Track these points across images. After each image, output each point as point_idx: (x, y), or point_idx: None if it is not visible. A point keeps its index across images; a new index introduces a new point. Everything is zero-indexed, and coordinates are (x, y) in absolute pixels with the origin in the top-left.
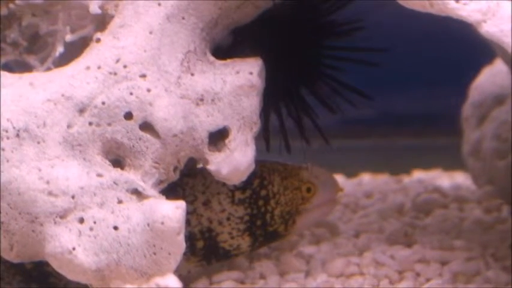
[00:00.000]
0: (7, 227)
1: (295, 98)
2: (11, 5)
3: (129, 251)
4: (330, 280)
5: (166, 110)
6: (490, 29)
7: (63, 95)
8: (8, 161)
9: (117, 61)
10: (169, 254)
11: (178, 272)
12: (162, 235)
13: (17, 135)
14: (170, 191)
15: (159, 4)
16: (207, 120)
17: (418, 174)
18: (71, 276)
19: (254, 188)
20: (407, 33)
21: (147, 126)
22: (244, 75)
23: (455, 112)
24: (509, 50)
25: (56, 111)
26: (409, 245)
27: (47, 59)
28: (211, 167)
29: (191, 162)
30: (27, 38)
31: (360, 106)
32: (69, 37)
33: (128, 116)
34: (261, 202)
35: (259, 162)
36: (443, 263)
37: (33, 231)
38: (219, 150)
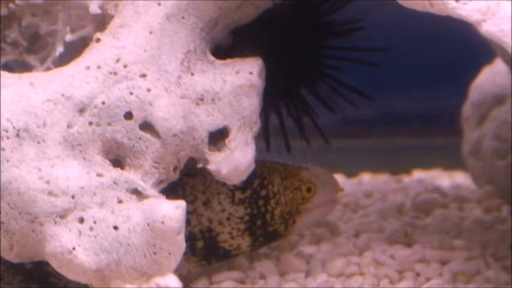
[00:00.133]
0: (7, 227)
1: (295, 97)
2: (11, 5)
3: (129, 251)
4: (330, 280)
5: (166, 110)
6: (489, 28)
7: (63, 95)
8: (8, 160)
9: (117, 61)
10: (170, 253)
11: (178, 272)
12: (162, 235)
13: (17, 135)
14: (170, 191)
15: (159, 4)
16: (207, 120)
17: (418, 174)
18: (71, 276)
19: (254, 188)
20: (407, 33)
21: (147, 126)
22: (244, 75)
23: (455, 112)
24: (509, 50)
25: (56, 111)
26: (409, 244)
27: (47, 58)
28: (211, 167)
29: (191, 162)
30: (27, 38)
31: (360, 106)
32: (69, 37)
33: (128, 115)
34: (261, 202)
35: (259, 162)
36: (443, 263)
37: (33, 231)
38: (219, 150)
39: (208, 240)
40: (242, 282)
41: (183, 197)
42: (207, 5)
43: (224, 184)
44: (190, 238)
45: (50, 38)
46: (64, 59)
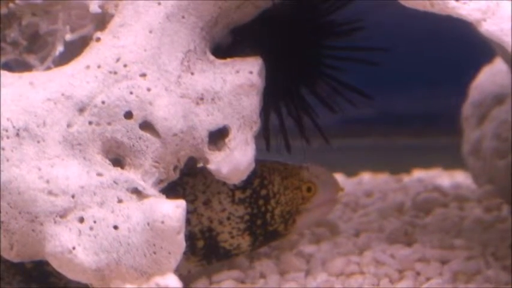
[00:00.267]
0: (7, 227)
1: (295, 97)
2: (11, 5)
3: (129, 251)
4: (330, 279)
5: (166, 109)
6: (489, 28)
7: (63, 94)
8: (8, 160)
9: (117, 60)
10: (170, 253)
11: (178, 272)
12: (162, 234)
13: (17, 135)
14: (170, 191)
15: (159, 3)
16: (207, 119)
17: (418, 174)
18: (71, 275)
19: (254, 188)
20: (408, 32)
21: (147, 126)
22: (244, 75)
23: (456, 111)
24: (509, 49)
25: (56, 111)
26: (409, 244)
27: (46, 58)
28: (211, 166)
29: (191, 162)
30: (27, 37)
31: (360, 105)
32: (69, 36)
33: (128, 115)
34: (261, 202)
35: (259, 161)
36: (444, 262)
37: (33, 230)
38: (219, 150)
39: (208, 239)
40: (242, 281)
41: (184, 197)
42: (207, 5)
43: (224, 184)
44: (190, 238)
45: (50, 38)
46: (64, 59)
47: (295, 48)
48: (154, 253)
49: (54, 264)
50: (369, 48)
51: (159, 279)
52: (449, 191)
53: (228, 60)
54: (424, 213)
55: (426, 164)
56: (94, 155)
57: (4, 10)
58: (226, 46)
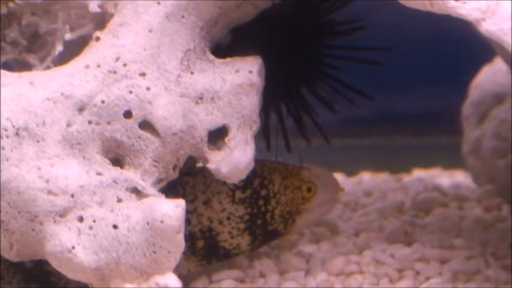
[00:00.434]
0: (7, 226)
1: (295, 97)
2: (11, 4)
3: (128, 250)
4: (329, 279)
5: (165, 109)
6: (489, 27)
7: (62, 94)
8: (7, 160)
9: (117, 60)
10: (169, 252)
11: (178, 272)
12: (161, 234)
13: (17, 134)
14: (170, 190)
15: (159, 3)
16: (207, 118)
17: (418, 173)
18: (70, 275)
19: (254, 188)
20: (407, 32)
21: (146, 125)
22: (243, 74)
23: (455, 111)
24: (509, 49)
25: (56, 110)
26: (409, 243)
27: (46, 57)
28: (211, 166)
29: (191, 161)
30: (27, 37)
31: (360, 105)
32: (68, 36)
33: (128, 114)
34: (261, 201)
35: (259, 161)
36: (443, 262)
37: (32, 230)
38: (219, 149)
39: (208, 239)
40: (242, 281)
41: (184, 196)
42: (206, 4)
43: (224, 183)
44: (190, 237)
45: (50, 37)
46: (64, 58)
47: (295, 48)
48: (154, 252)
49: (54, 263)
50: (368, 48)
51: (159, 279)
52: (449, 191)
53: (228, 59)
54: (424, 213)
55: (426, 164)
56: (93, 155)
57: (4, 10)
58: (226, 46)
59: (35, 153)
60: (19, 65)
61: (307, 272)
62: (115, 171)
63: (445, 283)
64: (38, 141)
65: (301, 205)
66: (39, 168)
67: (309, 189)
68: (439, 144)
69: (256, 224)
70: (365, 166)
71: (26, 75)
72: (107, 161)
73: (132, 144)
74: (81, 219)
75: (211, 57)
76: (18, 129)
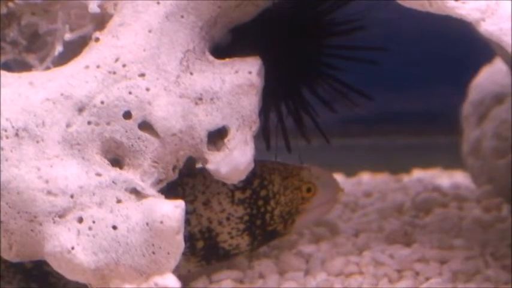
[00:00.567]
0: (6, 227)
1: (295, 97)
2: (11, 4)
3: (128, 251)
4: (329, 279)
5: (165, 109)
6: (489, 27)
7: (62, 94)
8: (7, 160)
9: (116, 60)
10: (169, 253)
11: (178, 272)
12: (161, 234)
13: (16, 135)
14: (170, 191)
15: (158, 3)
16: (206, 119)
17: (417, 173)
18: (70, 275)
19: (254, 188)
20: (407, 32)
21: (146, 126)
22: (243, 75)
23: (455, 111)
24: (509, 49)
25: (55, 111)
26: (408, 244)
27: (46, 58)
28: (210, 166)
29: (191, 162)
30: (27, 37)
31: (360, 105)
32: (68, 36)
33: (127, 115)
34: (260, 202)
35: (259, 162)
36: (443, 262)
37: (32, 230)
38: (218, 150)
39: (208, 240)
40: (241, 281)
41: (183, 197)
42: (206, 4)
43: (224, 184)
44: (190, 238)
45: (50, 37)
46: (63, 58)
47: (294, 48)
48: (153, 253)
49: (53, 264)
50: (368, 48)
51: (158, 279)
52: (448, 191)
53: (227, 60)
54: (424, 213)
55: (426, 164)
56: (93, 155)
57: (3, 9)
58: (226, 46)
59: (34, 153)
60: (19, 65)
61: (307, 272)
62: (114, 172)
63: (444, 283)
64: (37, 142)
65: (300, 205)
66: (39, 169)
67: (308, 190)
68: (438, 144)
69: (256, 225)
70: (364, 166)
71: (25, 75)
72: (106, 161)
73: (132, 145)
74: (80, 219)
75: (211, 57)
76: (17, 129)
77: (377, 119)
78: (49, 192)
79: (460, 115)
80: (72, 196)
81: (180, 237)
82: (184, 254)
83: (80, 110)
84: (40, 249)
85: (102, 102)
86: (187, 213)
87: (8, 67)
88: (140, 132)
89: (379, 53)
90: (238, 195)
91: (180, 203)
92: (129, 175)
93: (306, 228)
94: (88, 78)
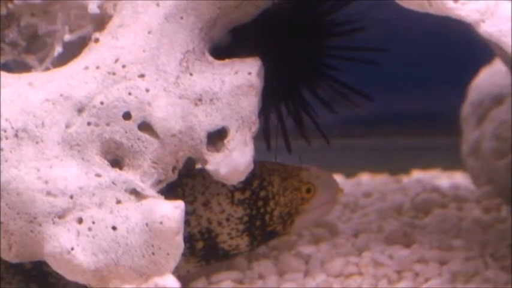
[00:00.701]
0: (6, 227)
1: (294, 97)
2: (10, 5)
3: (127, 251)
4: (328, 280)
5: (165, 110)
6: (488, 28)
7: (61, 95)
8: (6, 161)
9: (116, 61)
10: (168, 254)
11: (177, 273)
12: (160, 235)
13: (16, 135)
14: (170, 192)
15: (158, 4)
16: (206, 120)
17: (417, 174)
18: (69, 276)
19: (254, 189)
20: (407, 33)
21: (145, 126)
22: (243, 75)
23: (455, 112)
24: (508, 50)
25: (55, 111)
26: (408, 244)
27: (45, 59)
28: (210, 167)
29: (190, 163)
30: (26, 37)
31: (360, 106)
32: (67, 37)
33: (127, 116)
34: (260, 203)
35: (258, 162)
36: (442, 263)
37: (31, 231)
38: (218, 150)
39: (207, 241)
40: (241, 282)
41: (183, 198)
42: (206, 5)
43: (223, 185)
44: (189, 239)
45: (49, 38)
46: (63, 59)
47: (295, 48)
48: (153, 254)
49: (53, 265)
50: (368, 49)
51: (158, 280)
52: (448, 192)
53: (227, 61)
54: (423, 214)
55: (425, 165)
56: (93, 156)
57: (3, 10)
58: (225, 46)
59: (34, 154)
60: (18, 66)
61: (306, 273)
62: (114, 173)
63: (444, 284)
64: (37, 143)
65: (300, 206)
66: (38, 170)
67: (308, 190)
68: (438, 145)
69: (255, 225)
70: (364, 167)
71: (25, 76)
72: (106, 162)
73: (131, 146)
74: (80, 220)
75: (211, 58)
76: (17, 130)
77: (377, 120)
78: (48, 193)
79: (460, 116)
80: (71, 197)
81: (180, 238)
82: (183, 254)
83: (80, 110)
84: (40, 250)
85: (101, 103)
86: (187, 214)
87: (8, 68)
88: (140, 133)
89: (379, 53)
90: (237, 196)
91: (180, 204)
92: (129, 176)
93: (306, 229)
94: (87, 79)
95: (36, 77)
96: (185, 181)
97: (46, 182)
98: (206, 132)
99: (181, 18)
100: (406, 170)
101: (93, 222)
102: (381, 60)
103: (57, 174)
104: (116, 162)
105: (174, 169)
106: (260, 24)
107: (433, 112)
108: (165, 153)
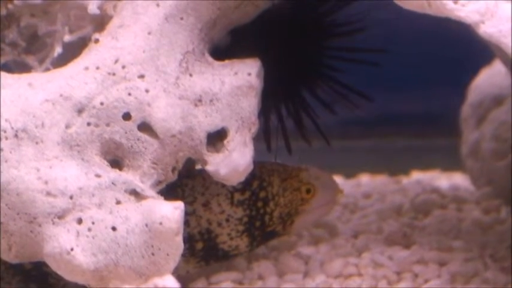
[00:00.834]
0: (6, 228)
1: (294, 98)
2: (10, 6)
3: (127, 252)
4: (328, 281)
5: (164, 111)
6: (488, 29)
7: (61, 96)
8: (6, 161)
9: (116, 62)
10: (168, 254)
11: (177, 273)
12: (160, 236)
13: (16, 136)
14: (169, 192)
15: (158, 5)
16: (206, 120)
17: (416, 175)
18: (69, 276)
19: (253, 190)
20: (406, 33)
21: (145, 127)
22: (242, 76)
23: (454, 113)
24: (508, 51)
25: (55, 112)
26: (407, 245)
27: (45, 59)
28: (209, 168)
29: (190, 163)
30: (26, 38)
31: (360, 107)
32: (67, 37)
33: (127, 116)
34: (260, 204)
35: (258, 163)
36: (442, 264)
37: (31, 231)
38: (218, 151)
39: (207, 241)
40: (240, 282)
41: (183, 198)
42: (205, 6)
43: (223, 185)
44: (189, 240)
45: (49, 39)
46: (63, 60)
47: (294, 49)
48: (153, 254)
49: (53, 265)
50: (368, 49)
51: (158, 280)
52: (447, 193)
53: (227, 61)
54: (423, 215)
55: (425, 166)
56: (92, 156)
57: (3, 11)
58: (225, 47)
59: (33, 154)
60: (18, 67)
61: (306, 274)
62: (114, 173)
63: (443, 285)
64: (36, 143)
65: (300, 206)
66: (38, 170)
67: (308, 191)
68: (437, 146)
69: (255, 226)
70: (364, 168)
71: (25, 76)
72: (105, 162)
73: (131, 146)
74: (80, 221)
75: (210, 59)
76: (17, 130)
77: (376, 121)
78: (48, 194)
79: (459, 117)
80: (71, 197)
81: (180, 239)
82: (183, 255)
83: (80, 111)
84: (39, 251)
85: (101, 104)
86: (187, 214)
87: (8, 68)
88: (140, 134)
89: (379, 54)
90: (237, 196)
91: (180, 205)
92: (129, 176)
93: (305, 229)
94: (87, 80)
95: (36, 77)
96: (185, 182)
97: (46, 183)
98: (206, 133)
99: (181, 18)
100: (405, 171)
101: (93, 223)
102: (380, 61)
103: (57, 175)
104: (116, 163)
105: (173, 170)
106: (260, 25)
107: (432, 113)
108: (165, 154)
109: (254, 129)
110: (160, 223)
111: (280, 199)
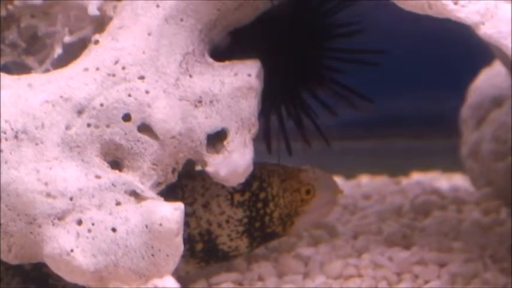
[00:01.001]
0: (5, 229)
1: (295, 99)
2: (10, 6)
3: (127, 253)
4: (328, 282)
5: (164, 112)
6: (488, 30)
7: (61, 97)
8: (6, 162)
9: (116, 63)
10: (168, 255)
11: (176, 274)
12: (160, 237)
13: (15, 137)
14: (170, 193)
15: (158, 6)
16: (206, 121)
17: (416, 176)
18: (69, 277)
19: (253, 191)
20: (406, 35)
21: (145, 128)
22: (242, 77)
23: (454, 114)
24: (508, 52)
25: (55, 113)
26: (407, 246)
27: (45, 60)
28: (209, 169)
29: (190, 164)
30: (26, 39)
31: (360, 108)
32: (67, 38)
33: (126, 117)
34: (260, 204)
35: (258, 164)
36: (442, 265)
37: (31, 232)
38: (218, 152)
39: (207, 242)
40: (240, 283)
41: (183, 199)
42: (205, 7)
43: (223, 186)
44: (189, 241)
45: (49, 40)
46: (63, 61)
47: (294, 50)
48: (153, 255)
49: (52, 266)
50: (368, 50)
51: (157, 281)
52: (447, 194)
53: (227, 62)
54: (423, 216)
55: (425, 167)
56: (92, 158)
57: (3, 12)
58: (225, 48)
59: (33, 155)
60: (18, 68)
61: (306, 275)
62: (114, 174)
63: (443, 286)
64: (36, 144)
65: (299, 207)
66: (38, 171)
67: (307, 192)
68: (437, 147)
69: (255, 227)
70: (364, 169)
71: (24, 77)
72: (105, 164)
73: (131, 147)
74: (79, 222)
75: (210, 60)
76: (17, 131)
77: (376, 122)
78: (48, 195)
79: (459, 118)
80: (71, 198)
81: (179, 240)
82: (183, 256)
83: (79, 112)
84: (39, 252)
85: (101, 105)
86: (187, 215)
87: (7, 69)
88: (139, 135)
89: (379, 55)
90: (237, 197)
91: (179, 205)
92: (129, 177)
93: (305, 230)
94: (87, 81)
95: (36, 78)
96: (185, 183)
97: (46, 184)
98: (206, 134)
99: (181, 20)
100: (405, 172)
101: (93, 224)
102: (380, 62)
103: (56, 176)
104: (116, 164)
105: (173, 171)
106: (260, 26)
107: (432, 114)
108: (165, 155)
109: (254, 130)
110: (160, 224)
111: (280, 200)
